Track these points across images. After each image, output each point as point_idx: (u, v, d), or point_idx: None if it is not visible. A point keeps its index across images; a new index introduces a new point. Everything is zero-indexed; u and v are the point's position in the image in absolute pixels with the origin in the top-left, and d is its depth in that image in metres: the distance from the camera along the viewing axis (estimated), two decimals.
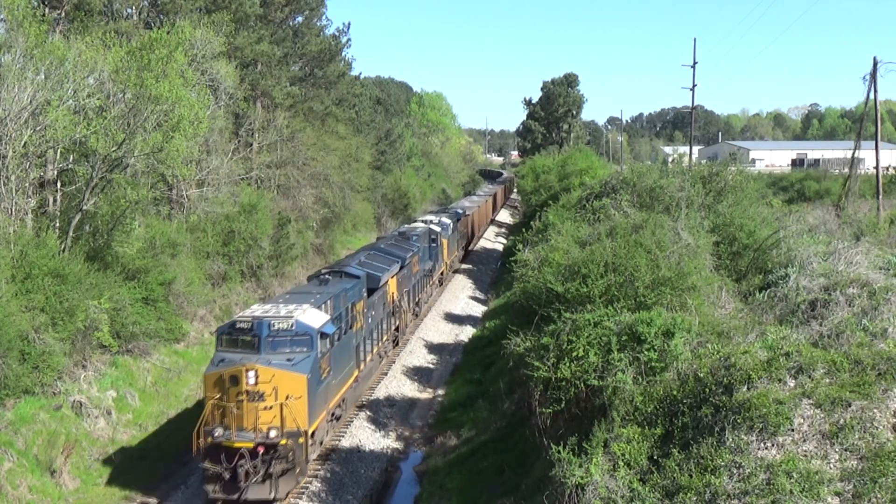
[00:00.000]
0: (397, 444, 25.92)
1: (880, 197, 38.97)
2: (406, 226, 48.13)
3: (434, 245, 43.80)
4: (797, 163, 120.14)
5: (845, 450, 11.42)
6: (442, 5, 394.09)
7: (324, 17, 55.68)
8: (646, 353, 14.54)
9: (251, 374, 19.50)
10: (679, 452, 12.28)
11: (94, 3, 35.01)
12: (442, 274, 47.94)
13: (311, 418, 20.53)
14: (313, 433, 21.20)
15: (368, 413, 27.35)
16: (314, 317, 21.70)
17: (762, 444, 11.72)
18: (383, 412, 27.87)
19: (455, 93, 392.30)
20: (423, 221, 48.20)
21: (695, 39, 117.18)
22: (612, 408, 14.01)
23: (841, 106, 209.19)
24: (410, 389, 30.82)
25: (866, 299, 15.35)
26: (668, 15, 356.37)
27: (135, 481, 22.77)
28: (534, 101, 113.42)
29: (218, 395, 19.76)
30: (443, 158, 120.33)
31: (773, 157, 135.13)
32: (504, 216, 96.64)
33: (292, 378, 19.93)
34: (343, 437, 24.98)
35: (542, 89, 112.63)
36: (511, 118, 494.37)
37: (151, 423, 26.89)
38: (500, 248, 69.28)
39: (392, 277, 32.00)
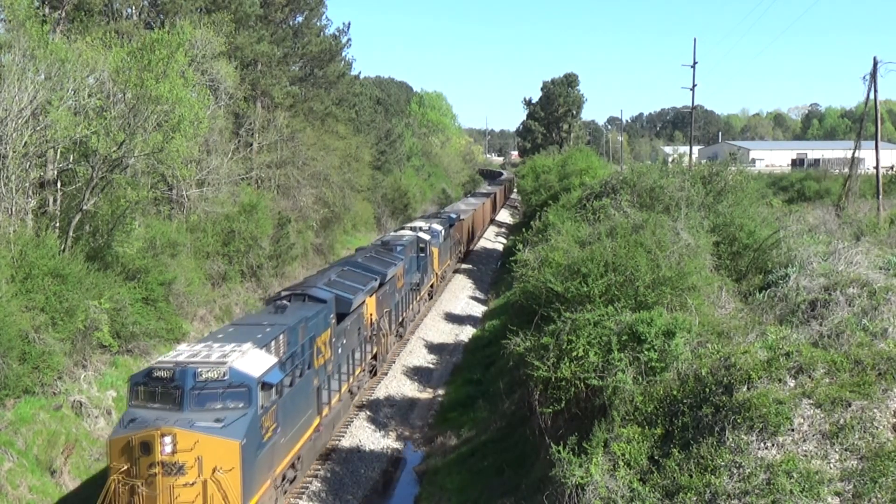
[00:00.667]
0: (397, 444, 25.92)
1: (880, 197, 38.96)
2: (391, 234, 43.75)
3: (423, 255, 40.07)
4: (797, 163, 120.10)
5: (845, 450, 11.42)
6: (442, 5, 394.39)
7: (324, 16, 55.80)
8: (646, 352, 14.54)
9: (167, 440, 15.32)
10: (679, 452, 12.28)
11: (94, 3, 35.02)
12: (432, 287, 44.46)
13: (246, 496, 16.29)
14: None
15: (368, 413, 27.36)
16: (256, 361, 17.38)
17: (762, 444, 11.72)
18: (383, 412, 27.88)
19: (455, 93, 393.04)
20: (411, 229, 43.97)
21: (695, 39, 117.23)
22: (612, 408, 14.01)
23: (841, 106, 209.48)
24: (410, 389, 30.82)
25: (866, 299, 15.35)
26: (668, 15, 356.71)
27: None
28: (534, 101, 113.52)
29: (125, 468, 15.51)
30: (443, 158, 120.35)
31: (773, 157, 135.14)
32: (504, 216, 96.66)
33: (221, 445, 15.71)
34: (343, 437, 24.99)
35: (542, 89, 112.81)
36: (511, 118, 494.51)
37: None
38: (500, 248, 69.28)
39: (370, 297, 28.26)
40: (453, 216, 53.95)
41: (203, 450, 15.51)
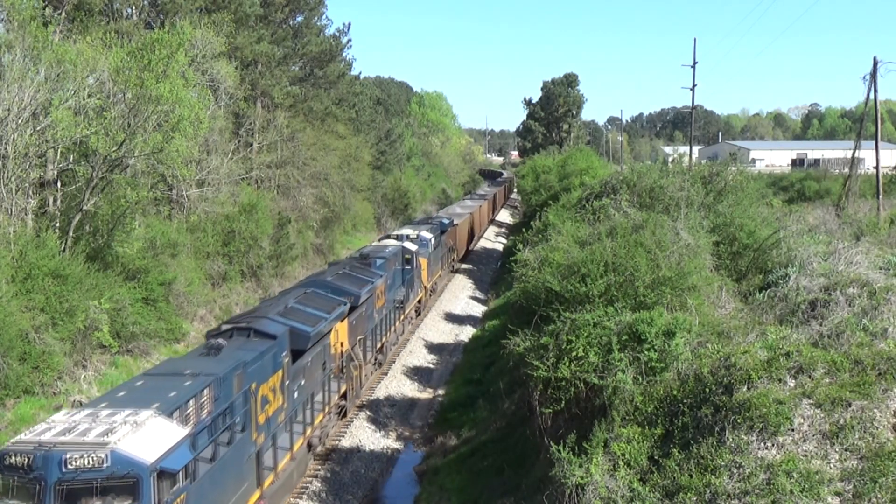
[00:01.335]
0: (397, 444, 25.92)
1: (880, 197, 38.96)
2: (373, 244, 39.12)
3: (409, 268, 36.09)
4: (797, 163, 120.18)
5: (845, 450, 11.42)
6: (442, 5, 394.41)
7: (324, 16, 55.87)
8: (646, 352, 14.54)
9: None
10: (679, 452, 12.29)
11: (94, 3, 35.05)
12: (420, 302, 40.19)
13: None
14: None
15: (368, 413, 27.35)
16: (154, 437, 12.65)
17: (762, 444, 11.72)
18: (383, 412, 27.88)
19: (455, 93, 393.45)
20: (396, 237, 39.98)
21: (695, 39, 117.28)
22: (612, 408, 14.01)
23: (841, 106, 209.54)
24: (410, 389, 30.82)
25: (866, 299, 15.35)
26: (668, 15, 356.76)
27: None
28: (534, 101, 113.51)
29: None
30: (443, 158, 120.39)
31: (773, 157, 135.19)
32: (504, 216, 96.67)
33: None
34: (343, 437, 24.99)
35: (542, 89, 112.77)
36: (511, 118, 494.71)
37: None
38: (500, 248, 69.28)
39: (341, 321, 24.15)
40: (445, 222, 49.40)
41: None
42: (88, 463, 11.79)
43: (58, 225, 29.57)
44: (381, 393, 29.52)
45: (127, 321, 28.60)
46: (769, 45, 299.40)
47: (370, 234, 65.92)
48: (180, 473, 12.92)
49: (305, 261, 49.44)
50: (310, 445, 21.70)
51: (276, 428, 18.30)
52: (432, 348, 36.31)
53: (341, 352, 24.50)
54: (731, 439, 11.87)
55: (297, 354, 19.85)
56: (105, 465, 11.80)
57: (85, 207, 29.14)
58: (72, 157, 30.22)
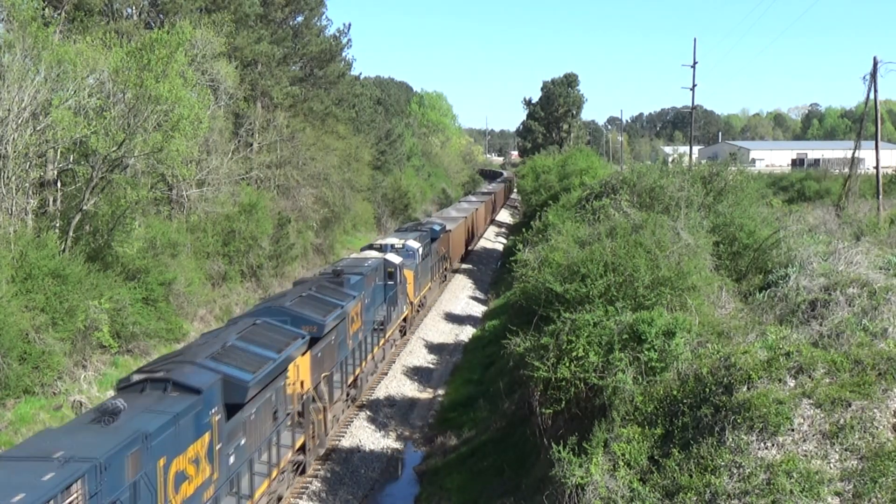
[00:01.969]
0: (397, 444, 25.93)
1: (880, 197, 38.96)
2: (352, 256, 35.10)
3: (392, 283, 31.99)
4: (797, 163, 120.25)
5: (845, 450, 11.42)
6: (442, 5, 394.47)
7: (324, 17, 55.89)
8: (646, 352, 14.54)
9: None
10: (679, 452, 12.29)
11: (94, 3, 35.06)
12: (405, 321, 35.99)
13: None
14: None
15: (368, 413, 27.36)
16: None
17: (762, 444, 11.72)
18: (383, 412, 27.88)
19: (455, 93, 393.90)
20: (379, 247, 36.17)
21: (695, 39, 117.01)
22: (612, 408, 14.01)
23: (841, 106, 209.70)
24: (410, 389, 30.83)
25: (866, 299, 15.35)
26: (668, 15, 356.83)
27: None
28: (534, 101, 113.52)
29: None
30: (443, 158, 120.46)
31: (773, 157, 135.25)
32: (504, 216, 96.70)
33: None
34: (343, 437, 24.99)
35: (542, 89, 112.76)
36: (511, 118, 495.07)
37: None
38: (500, 248, 69.30)
39: (302, 355, 20.13)
40: (436, 228, 44.64)
41: None
42: None
43: (58, 225, 29.58)
44: (381, 393, 29.52)
45: (127, 321, 28.61)
46: (769, 45, 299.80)
47: (370, 234, 65.92)
48: None
49: (305, 261, 49.45)
50: None
51: None
52: (432, 348, 36.32)
53: (301, 393, 20.25)
54: (731, 439, 11.87)
55: (232, 409, 15.89)
56: None
57: (85, 207, 29.14)
58: (72, 157, 30.23)
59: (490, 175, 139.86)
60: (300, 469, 21.16)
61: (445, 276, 48.84)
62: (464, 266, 56.72)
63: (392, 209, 75.74)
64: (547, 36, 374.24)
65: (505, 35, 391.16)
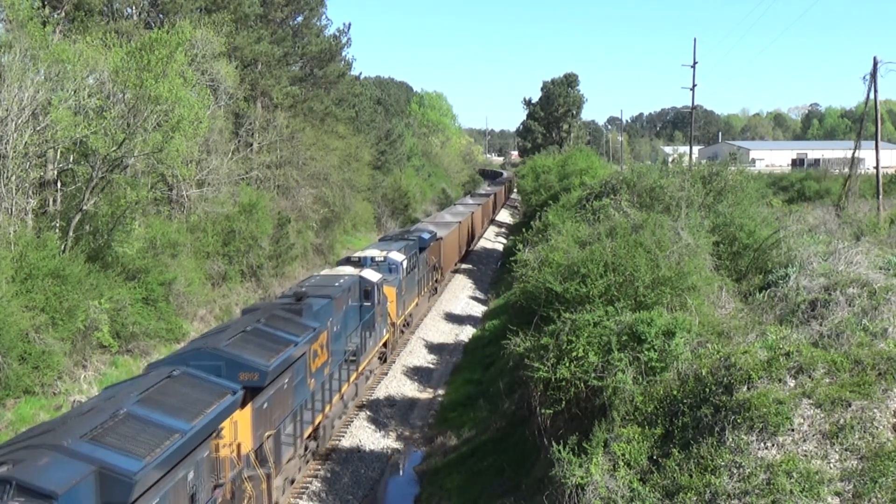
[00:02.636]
0: (397, 444, 25.93)
1: (880, 197, 38.96)
2: (324, 272, 29.35)
3: (368, 304, 27.43)
4: (797, 163, 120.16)
5: (845, 450, 11.42)
6: (442, 5, 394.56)
7: (323, 17, 55.88)
8: (646, 353, 14.54)
9: None
10: (679, 452, 12.29)
11: (94, 2, 35.06)
12: (385, 346, 31.61)
13: None
14: None
15: (368, 413, 27.36)
16: None
17: (762, 444, 11.72)
18: (383, 412, 27.88)
19: (455, 93, 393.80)
20: (357, 260, 32.01)
21: (695, 39, 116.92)
22: (612, 408, 14.01)
23: (841, 106, 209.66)
24: (410, 389, 30.83)
25: (866, 299, 15.35)
26: (668, 15, 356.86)
27: None
28: (534, 101, 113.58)
29: None
30: (443, 158, 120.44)
31: (773, 157, 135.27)
32: (504, 216, 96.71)
33: None
34: (343, 437, 24.99)
35: (542, 89, 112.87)
36: (511, 118, 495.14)
37: None
38: (500, 248, 69.30)
39: (240, 410, 15.68)
40: (426, 236, 40.17)
41: None
42: None
43: (58, 225, 29.58)
44: (381, 393, 29.53)
45: (127, 321, 28.62)
46: (769, 45, 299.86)
47: (370, 233, 65.89)
48: None
49: (305, 261, 49.43)
50: None
51: None
52: (432, 348, 36.32)
53: (237, 455, 15.63)
54: (731, 439, 11.87)
55: None
56: None
57: (85, 207, 29.15)
58: (72, 157, 30.24)
59: (490, 175, 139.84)
60: None
61: (436, 290, 44.78)
62: (463, 266, 56.70)
63: (392, 209, 75.74)
64: (547, 36, 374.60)
65: (505, 35, 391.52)
